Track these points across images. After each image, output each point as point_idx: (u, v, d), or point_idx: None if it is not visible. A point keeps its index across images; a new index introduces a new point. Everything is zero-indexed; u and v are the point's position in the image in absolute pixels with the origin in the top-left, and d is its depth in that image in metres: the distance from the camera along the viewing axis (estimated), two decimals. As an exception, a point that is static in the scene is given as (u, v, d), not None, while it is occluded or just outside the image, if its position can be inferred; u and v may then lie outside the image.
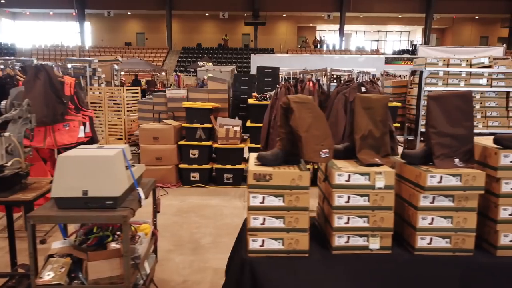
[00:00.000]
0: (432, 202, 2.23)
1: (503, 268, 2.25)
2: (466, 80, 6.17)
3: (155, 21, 34.66)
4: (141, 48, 33.37)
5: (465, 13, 32.44)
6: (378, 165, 2.34)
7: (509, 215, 2.27)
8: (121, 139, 7.79)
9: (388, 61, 16.84)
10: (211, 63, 23.11)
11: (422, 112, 6.26)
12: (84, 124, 4.16)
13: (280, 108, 2.28)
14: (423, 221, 2.24)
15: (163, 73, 22.72)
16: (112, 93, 7.84)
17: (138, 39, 36.29)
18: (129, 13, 34.11)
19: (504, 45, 19.14)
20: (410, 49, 32.80)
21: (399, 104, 6.21)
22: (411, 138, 6.55)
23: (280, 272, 2.22)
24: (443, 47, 23.34)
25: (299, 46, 35.18)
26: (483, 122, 6.23)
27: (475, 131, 6.22)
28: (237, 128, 5.93)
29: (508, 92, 6.23)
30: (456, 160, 2.33)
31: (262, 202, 2.20)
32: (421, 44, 30.88)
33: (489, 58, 6.25)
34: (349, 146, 2.53)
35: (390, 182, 2.22)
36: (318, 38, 35.67)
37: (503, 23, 32.05)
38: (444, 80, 6.20)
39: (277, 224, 2.22)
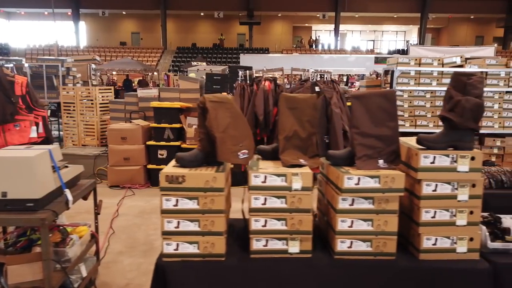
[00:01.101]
0: (352, 204, 2.17)
1: (424, 272, 2.19)
2: (438, 80, 6.12)
3: (150, 21, 34.59)
4: (136, 48, 33.31)
5: (460, 13, 32.37)
6: (301, 166, 2.29)
7: (432, 217, 2.21)
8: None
9: (378, 60, 16.77)
10: (204, 63, 23.05)
11: (394, 112, 6.19)
12: (37, 124, 4.09)
13: (198, 108, 2.22)
14: (342, 224, 2.18)
15: (155, 73, 22.65)
16: (89, 93, 7.78)
17: (133, 39, 36.22)
18: (124, 12, 34.04)
19: (495, 45, 19.05)
20: (405, 49, 32.71)
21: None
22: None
23: (194, 277, 2.16)
24: (434, 46, 23.23)
25: (294, 46, 35.11)
26: (456, 122, 6.16)
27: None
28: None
29: (480, 92, 6.16)
30: (380, 161, 2.27)
31: (176, 205, 2.15)
32: (416, 44, 30.84)
33: (461, 57, 6.19)
34: (277, 147, 2.47)
35: (307, 184, 2.16)
36: (313, 38, 35.58)
37: (498, 23, 31.98)
38: (415, 79, 6.15)
39: (192, 227, 2.17)
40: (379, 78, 9.53)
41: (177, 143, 5.97)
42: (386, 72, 6.53)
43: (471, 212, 2.22)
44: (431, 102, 6.20)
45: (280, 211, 2.18)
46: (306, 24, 36.95)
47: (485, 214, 2.56)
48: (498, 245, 2.29)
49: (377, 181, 2.14)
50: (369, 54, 28.93)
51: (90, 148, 6.91)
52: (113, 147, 5.93)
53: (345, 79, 16.07)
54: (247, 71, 4.27)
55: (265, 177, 2.15)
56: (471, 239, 2.24)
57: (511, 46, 32.52)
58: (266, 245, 2.21)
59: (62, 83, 7.16)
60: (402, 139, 2.51)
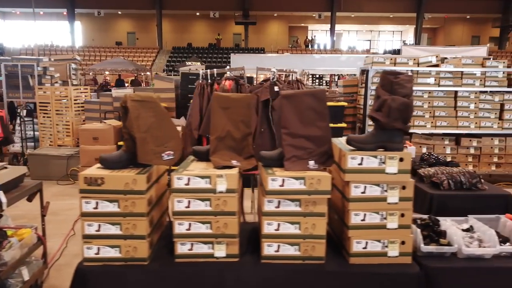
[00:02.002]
0: (278, 206, 2.11)
1: (353, 276, 2.13)
2: (413, 79, 6.03)
3: (146, 21, 34.54)
4: (131, 48, 33.25)
5: (456, 13, 32.31)
6: (232, 167, 2.23)
7: (361, 220, 2.15)
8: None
9: (369, 60, 16.65)
10: (199, 63, 22.99)
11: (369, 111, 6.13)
12: (-6, 125, 4.04)
13: (120, 107, 2.16)
14: (268, 227, 2.12)
15: (148, 73, 22.59)
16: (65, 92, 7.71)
17: (129, 39, 36.18)
18: (119, 12, 34.00)
19: (488, 45, 18.94)
20: (400, 48, 32.61)
21: (345, 104, 6.09)
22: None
23: (115, 281, 2.10)
24: (427, 46, 23.16)
25: (290, 46, 35.05)
26: (432, 122, 6.11)
27: (424, 131, 6.13)
28: (179, 128, 5.80)
29: (456, 92, 6.11)
30: (311, 163, 2.21)
31: (96, 208, 2.08)
32: (412, 44, 30.78)
33: (437, 57, 6.13)
34: (211, 147, 2.41)
35: (232, 186, 2.10)
36: (309, 38, 35.52)
37: (494, 23, 31.91)
38: (391, 79, 6.06)
39: (113, 230, 2.11)
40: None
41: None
42: (362, 72, 6.47)
43: (402, 215, 2.16)
44: (429, 103, 6.14)
45: (204, 214, 2.12)
46: (302, 24, 36.91)
47: (425, 216, 2.51)
48: (431, 248, 2.23)
49: (303, 183, 2.08)
50: (364, 54, 28.89)
51: (65, 148, 6.85)
52: (85, 148, 5.88)
53: (337, 79, 16.01)
54: (208, 70, 4.20)
55: (189, 179, 2.09)
56: (403, 243, 2.17)
57: (507, 46, 32.47)
58: (191, 249, 2.15)
59: (38, 83, 7.08)
60: (339, 139, 2.45)
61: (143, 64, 29.64)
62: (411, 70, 6.04)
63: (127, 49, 32.92)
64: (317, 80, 17.59)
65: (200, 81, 4.13)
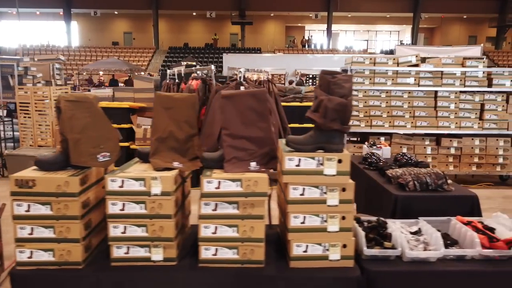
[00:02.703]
0: (215, 209, 2.07)
1: (293, 281, 2.08)
2: (393, 79, 6.01)
3: (143, 21, 34.50)
4: (127, 48, 33.22)
5: (453, 13, 32.26)
6: (172, 169, 2.18)
7: (301, 223, 2.10)
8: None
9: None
10: (194, 63, 22.95)
11: (349, 112, 6.08)
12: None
13: (55, 108, 2.11)
14: (205, 230, 2.08)
15: (142, 73, 22.53)
16: (52, 93, 7.67)
17: (125, 39, 36.14)
18: (116, 12, 33.96)
19: (482, 45, 18.90)
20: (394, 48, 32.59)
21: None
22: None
23: (49, 286, 2.05)
24: (421, 46, 23.11)
25: (287, 46, 35.01)
26: (412, 123, 6.07)
27: (404, 131, 6.08)
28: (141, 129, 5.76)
29: (436, 92, 6.06)
30: (253, 164, 2.17)
31: (28, 211, 2.04)
32: (409, 44, 30.73)
33: (416, 56, 6.08)
34: (155, 149, 2.36)
35: (168, 188, 2.05)
36: (306, 37, 35.47)
37: (491, 23, 31.85)
38: (370, 79, 6.04)
39: (46, 234, 2.06)
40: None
41: (127, 144, 5.87)
42: (343, 71, 6.41)
43: (343, 218, 2.11)
44: (387, 102, 6.09)
45: (139, 217, 2.07)
46: (299, 24, 36.86)
47: (373, 218, 2.46)
48: (375, 251, 2.18)
49: (239, 185, 2.03)
50: (360, 54, 28.83)
51: (45, 149, 6.80)
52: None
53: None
54: (175, 69, 4.16)
55: (122, 181, 2.04)
56: (345, 246, 2.13)
57: (504, 45, 32.42)
58: (127, 253, 2.11)
59: (19, 83, 7.04)
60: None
61: (139, 64, 29.64)
62: (390, 70, 6.00)
63: (123, 49, 32.90)
64: (310, 80, 17.54)
65: (168, 81, 4.08)
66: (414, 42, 31.36)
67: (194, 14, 34.13)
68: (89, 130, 2.08)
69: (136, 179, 2.04)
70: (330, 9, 31.13)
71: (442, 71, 5.97)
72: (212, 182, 2.03)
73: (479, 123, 6.07)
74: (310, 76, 17.37)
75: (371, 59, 6.11)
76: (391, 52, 29.57)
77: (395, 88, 6.02)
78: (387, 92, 6.07)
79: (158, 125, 2.29)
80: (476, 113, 6.07)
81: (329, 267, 2.13)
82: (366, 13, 32.24)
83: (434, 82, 5.99)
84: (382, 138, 6.17)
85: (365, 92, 6.10)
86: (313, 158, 2.04)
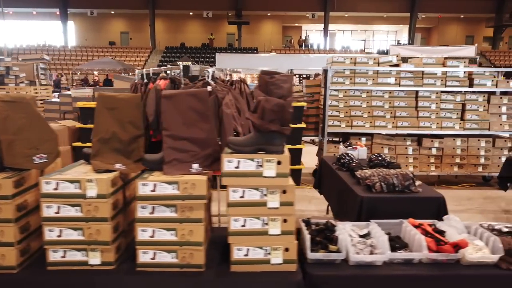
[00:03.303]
0: (152, 212, 2.02)
1: (231, 285, 2.03)
2: (373, 79, 5.96)
3: (139, 21, 34.45)
4: (124, 48, 33.20)
5: (450, 13, 32.20)
6: (113, 171, 2.14)
7: (242, 226, 2.06)
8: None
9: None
10: (190, 63, 22.89)
11: (329, 112, 6.06)
12: None
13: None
14: (143, 233, 2.03)
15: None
16: (36, 92, 7.63)
17: (122, 39, 36.10)
18: (112, 12, 33.93)
19: (476, 45, 18.86)
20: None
21: (304, 104, 5.99)
22: (320, 138, 6.35)
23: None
24: (415, 46, 23.05)
25: (284, 45, 34.96)
26: (393, 123, 6.01)
27: (385, 132, 6.03)
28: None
29: (417, 92, 6.01)
30: (195, 166, 2.12)
31: (-40, 213, 1.99)
32: (405, 44, 30.68)
33: (397, 56, 6.04)
34: (100, 150, 2.31)
35: (104, 191, 2.00)
36: (303, 37, 35.42)
37: (488, 23, 31.79)
38: (351, 79, 5.99)
39: (-20, 237, 2.01)
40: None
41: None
42: (325, 72, 6.37)
43: (285, 220, 2.07)
44: (367, 102, 6.04)
45: (75, 220, 2.02)
46: (296, 24, 36.81)
47: (323, 221, 2.41)
48: (319, 255, 2.14)
49: (176, 188, 1.99)
50: (357, 54, 28.77)
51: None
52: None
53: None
54: (144, 69, 4.11)
55: (57, 183, 2.00)
56: (287, 249, 2.08)
57: (501, 45, 32.37)
58: (64, 257, 2.06)
59: (0, 82, 6.99)
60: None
61: (135, 64, 29.61)
62: (371, 70, 5.95)
63: (120, 49, 32.87)
64: (303, 80, 17.50)
65: (136, 81, 4.03)
66: (411, 42, 31.32)
67: (191, 14, 34.09)
68: (25, 131, 2.04)
69: (71, 181, 2.00)
70: (327, 9, 31.09)
71: (423, 71, 5.91)
72: (147, 184, 1.98)
73: (460, 123, 6.01)
74: (304, 76, 17.34)
75: (351, 59, 6.06)
76: (387, 52, 29.54)
77: (376, 88, 5.97)
78: (367, 92, 6.02)
79: (100, 126, 2.24)
80: (457, 113, 6.02)
81: (271, 271, 2.08)
82: (363, 13, 32.19)
83: (415, 82, 5.94)
84: (364, 139, 6.13)
85: (346, 92, 6.05)
86: (252, 159, 1.99)
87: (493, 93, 6.21)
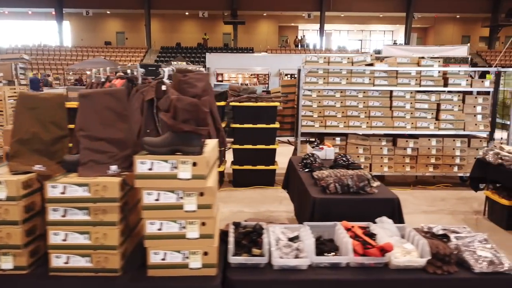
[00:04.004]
0: (64, 215, 1.96)
1: (147, 290, 1.97)
2: (347, 79, 5.89)
3: (135, 20, 34.41)
4: (120, 48, 33.17)
5: (446, 13, 32.12)
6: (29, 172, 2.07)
7: (158, 229, 1.99)
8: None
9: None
10: (184, 63, 22.86)
11: (303, 112, 5.99)
12: None
13: None
14: (55, 237, 1.97)
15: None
16: (14, 92, 7.57)
17: (118, 38, 36.05)
18: (108, 12, 33.87)
19: (469, 44, 18.72)
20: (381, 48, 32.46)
21: (277, 104, 5.92)
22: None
23: None
24: (408, 46, 22.94)
25: (280, 45, 34.89)
26: (367, 123, 5.95)
27: (358, 132, 5.97)
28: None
29: (391, 91, 5.95)
30: (113, 167, 2.06)
31: None
32: (401, 43, 30.61)
33: (371, 55, 5.97)
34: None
35: (14, 193, 1.94)
36: (299, 37, 35.35)
37: (484, 23, 31.71)
38: (324, 78, 5.92)
39: None
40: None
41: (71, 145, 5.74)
42: (298, 71, 6.31)
43: (203, 224, 2.00)
44: (341, 102, 5.98)
45: (-15, 223, 1.96)
46: (293, 24, 36.73)
47: (252, 223, 2.35)
48: (240, 259, 2.08)
49: (87, 190, 1.93)
50: (353, 54, 28.67)
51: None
52: (7, 149, 5.72)
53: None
54: (101, 69, 4.05)
55: (-35, 185, 1.93)
56: (206, 253, 2.02)
57: (497, 45, 32.26)
58: (-25, 260, 2.00)
59: (-25, 82, 6.92)
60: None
61: (131, 64, 29.50)
62: (345, 69, 5.88)
63: (115, 48, 32.85)
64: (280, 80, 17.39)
65: (93, 80, 3.97)
66: (407, 42, 31.24)
67: (187, 13, 34.02)
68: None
69: (-21, 183, 1.93)
70: (323, 8, 31.02)
71: (397, 71, 5.85)
72: (56, 186, 1.92)
73: (435, 123, 5.95)
74: (294, 76, 17.25)
75: (325, 58, 5.99)
76: (380, 52, 29.46)
77: (350, 88, 5.90)
78: (341, 92, 5.96)
79: (19, 126, 2.18)
80: (432, 113, 5.95)
81: (189, 276, 2.02)
82: (359, 12, 32.12)
83: (389, 81, 5.87)
84: (338, 139, 6.06)
85: (319, 92, 5.98)
86: (166, 161, 1.93)
87: (470, 92, 6.15)
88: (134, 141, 2.08)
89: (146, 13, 31.51)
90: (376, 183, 3.70)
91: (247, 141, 5.92)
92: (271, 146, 5.97)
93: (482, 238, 2.23)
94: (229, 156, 6.35)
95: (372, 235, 2.22)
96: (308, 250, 2.11)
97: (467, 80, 5.86)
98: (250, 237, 2.19)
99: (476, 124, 5.93)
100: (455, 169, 6.04)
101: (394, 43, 34.62)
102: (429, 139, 6.00)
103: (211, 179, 2.04)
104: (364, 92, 5.95)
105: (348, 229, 2.28)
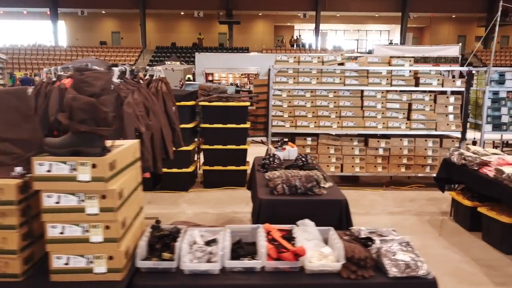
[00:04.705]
0: (-39, 218, 1.89)
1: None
2: (317, 78, 5.83)
3: (131, 20, 34.34)
4: (115, 47, 33.13)
5: (442, 12, 32.03)
6: None
7: (60, 233, 1.93)
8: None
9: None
10: (178, 62, 22.80)
11: (273, 112, 5.93)
12: None
13: None
14: (-48, 241, 1.90)
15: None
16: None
17: (113, 38, 35.99)
18: (103, 12, 33.82)
19: (460, 44, 18.66)
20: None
21: (247, 103, 5.86)
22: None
23: None
24: (400, 46, 22.88)
25: (275, 45, 34.83)
26: (338, 123, 5.89)
27: (329, 132, 5.90)
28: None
29: (362, 91, 5.88)
30: (18, 169, 1.99)
31: None
32: (396, 43, 30.54)
33: (342, 55, 5.90)
34: None
35: None
36: (295, 37, 35.28)
37: (480, 22, 31.62)
38: (294, 78, 5.86)
39: None
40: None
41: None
42: (268, 71, 6.24)
43: (107, 227, 1.94)
44: (312, 102, 5.91)
45: None
46: (288, 24, 36.65)
47: (169, 227, 2.29)
48: (148, 263, 2.01)
49: (-18, 192, 1.86)
50: (348, 53, 28.56)
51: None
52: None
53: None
54: (52, 68, 3.99)
55: None
56: (111, 258, 1.95)
57: (492, 45, 32.16)
58: None
59: None
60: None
61: (108, 63, 29.40)
62: (316, 69, 5.82)
63: (110, 48, 32.81)
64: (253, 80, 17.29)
65: (44, 80, 3.90)
66: (403, 41, 31.18)
67: (182, 13, 33.96)
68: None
69: None
70: (318, 8, 30.95)
71: (367, 70, 5.78)
72: (-50, 188, 1.85)
73: (407, 123, 5.88)
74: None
75: (295, 57, 5.93)
76: (371, 52, 29.38)
77: (320, 87, 5.84)
78: (311, 91, 5.89)
79: None
80: (403, 113, 5.88)
81: (94, 281, 1.95)
82: (354, 12, 32.04)
83: (360, 81, 5.81)
84: (309, 139, 6.00)
85: (289, 91, 5.92)
86: (64, 162, 1.86)
87: (444, 92, 6.09)
88: (37, 142, 2.01)
89: (141, 13, 31.47)
90: (328, 184, 3.64)
91: (217, 141, 5.87)
92: (241, 146, 5.92)
93: (405, 242, 2.16)
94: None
95: (291, 239, 2.16)
96: (221, 254, 2.04)
97: (438, 79, 5.79)
98: (163, 240, 2.12)
99: (448, 124, 5.87)
100: (427, 169, 5.98)
101: (390, 43, 34.57)
102: (401, 139, 5.93)
103: (118, 182, 1.98)
104: (335, 92, 5.89)
105: (268, 232, 2.21)
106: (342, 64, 5.91)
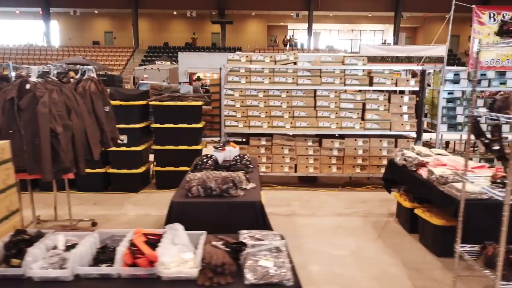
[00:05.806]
0: None
1: None
2: (270, 78, 5.75)
3: (123, 20, 34.28)
4: (107, 47, 33.08)
5: (435, 12, 31.89)
6: None
7: None
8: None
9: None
10: (168, 62, 22.75)
11: (226, 112, 5.85)
12: None
13: None
14: None
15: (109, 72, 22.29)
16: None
17: (106, 38, 35.95)
18: (96, 11, 33.78)
19: (447, 44, 18.56)
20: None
21: (199, 103, 5.78)
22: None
23: None
24: (387, 45, 22.79)
25: (268, 45, 34.75)
26: (291, 123, 5.80)
27: (282, 132, 5.81)
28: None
29: (315, 91, 5.80)
30: None
31: None
32: (387, 43, 30.45)
33: (294, 54, 5.82)
34: None
35: None
36: (288, 37, 35.18)
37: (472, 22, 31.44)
38: (246, 77, 5.78)
39: None
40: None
41: None
42: (221, 70, 6.15)
43: None
44: (265, 102, 5.83)
45: None
46: (282, 23, 36.54)
47: (35, 230, 2.20)
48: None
49: None
50: (343, 53, 28.48)
51: None
52: None
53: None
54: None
55: None
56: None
57: (486, 45, 32.00)
58: None
59: None
60: None
61: (117, 63, 29.50)
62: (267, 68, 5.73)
63: (103, 48, 32.77)
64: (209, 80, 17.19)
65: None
66: (396, 41, 31.09)
67: (175, 13, 33.91)
68: None
69: None
70: (311, 8, 30.88)
71: (320, 69, 5.69)
72: None
73: (361, 123, 5.79)
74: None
75: (247, 56, 5.84)
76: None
77: (273, 87, 5.75)
78: (264, 91, 5.81)
79: None
80: (357, 113, 5.79)
81: None
82: (347, 12, 31.93)
83: (313, 80, 5.72)
84: (264, 139, 5.91)
85: (242, 91, 5.83)
86: None
87: (402, 92, 5.99)
88: None
89: (134, 12, 31.42)
90: (250, 185, 3.56)
91: (168, 141, 5.78)
92: (194, 147, 5.83)
93: (274, 247, 2.08)
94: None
95: (153, 245, 2.07)
96: (76, 259, 1.96)
97: (392, 79, 5.70)
98: (18, 246, 2.03)
99: (402, 124, 5.78)
100: (383, 170, 5.87)
101: (383, 43, 34.47)
102: (355, 140, 5.85)
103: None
104: (288, 92, 5.80)
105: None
106: (295, 63, 5.82)
